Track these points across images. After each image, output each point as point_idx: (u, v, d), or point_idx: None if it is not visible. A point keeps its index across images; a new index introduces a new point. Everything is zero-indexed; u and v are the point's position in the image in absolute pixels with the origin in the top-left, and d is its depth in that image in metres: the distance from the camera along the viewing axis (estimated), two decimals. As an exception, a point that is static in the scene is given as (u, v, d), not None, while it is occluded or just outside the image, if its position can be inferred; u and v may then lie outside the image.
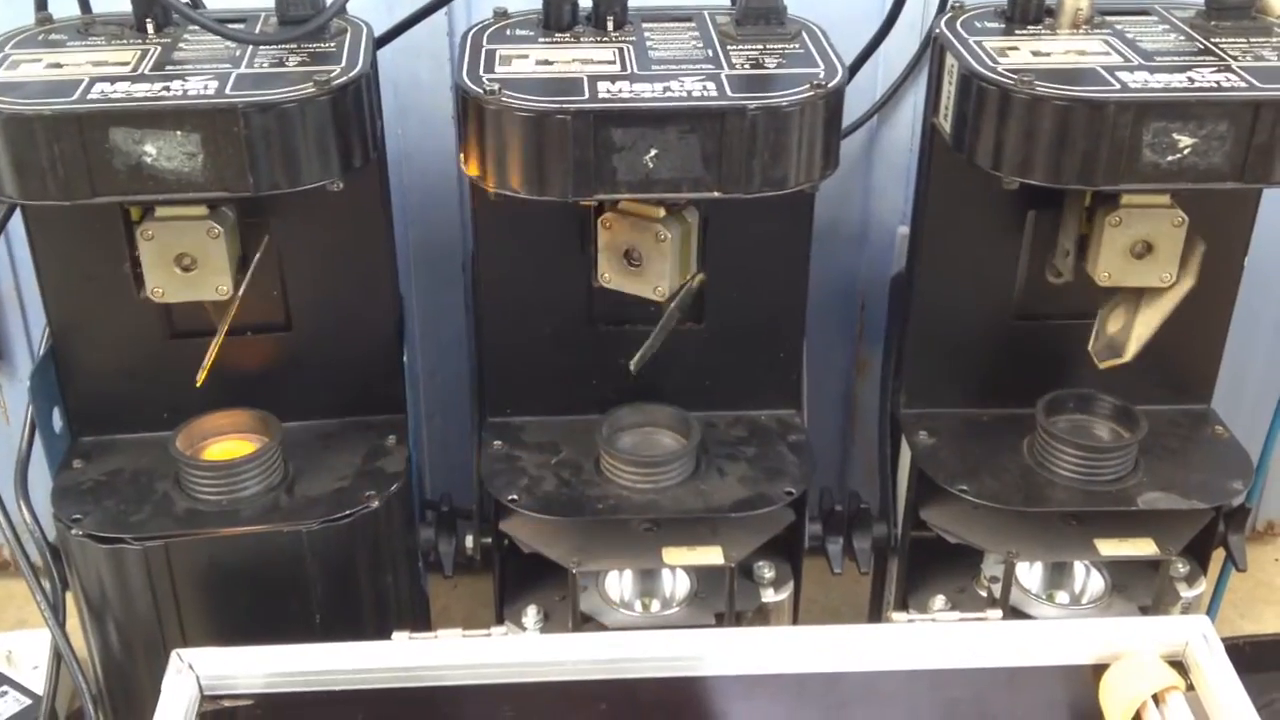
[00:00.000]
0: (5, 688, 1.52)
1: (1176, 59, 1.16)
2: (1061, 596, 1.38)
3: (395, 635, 1.09)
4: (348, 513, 1.26)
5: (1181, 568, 1.36)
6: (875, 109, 1.56)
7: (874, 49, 1.51)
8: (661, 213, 1.16)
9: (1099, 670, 1.09)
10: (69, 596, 1.31)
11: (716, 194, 1.09)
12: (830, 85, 1.11)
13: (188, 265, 1.16)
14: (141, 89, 1.09)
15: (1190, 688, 1.07)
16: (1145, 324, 1.21)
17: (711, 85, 1.11)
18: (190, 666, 1.06)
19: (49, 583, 1.30)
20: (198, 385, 1.23)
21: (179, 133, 1.06)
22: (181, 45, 1.20)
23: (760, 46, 1.20)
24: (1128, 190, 1.13)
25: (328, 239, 1.29)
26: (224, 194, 1.09)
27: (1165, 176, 1.08)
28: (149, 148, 1.06)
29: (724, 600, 1.30)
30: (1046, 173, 1.10)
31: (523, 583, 1.39)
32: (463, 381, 1.67)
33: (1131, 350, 1.22)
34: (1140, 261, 1.19)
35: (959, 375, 1.41)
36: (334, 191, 1.14)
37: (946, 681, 1.10)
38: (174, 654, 1.06)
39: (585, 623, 1.32)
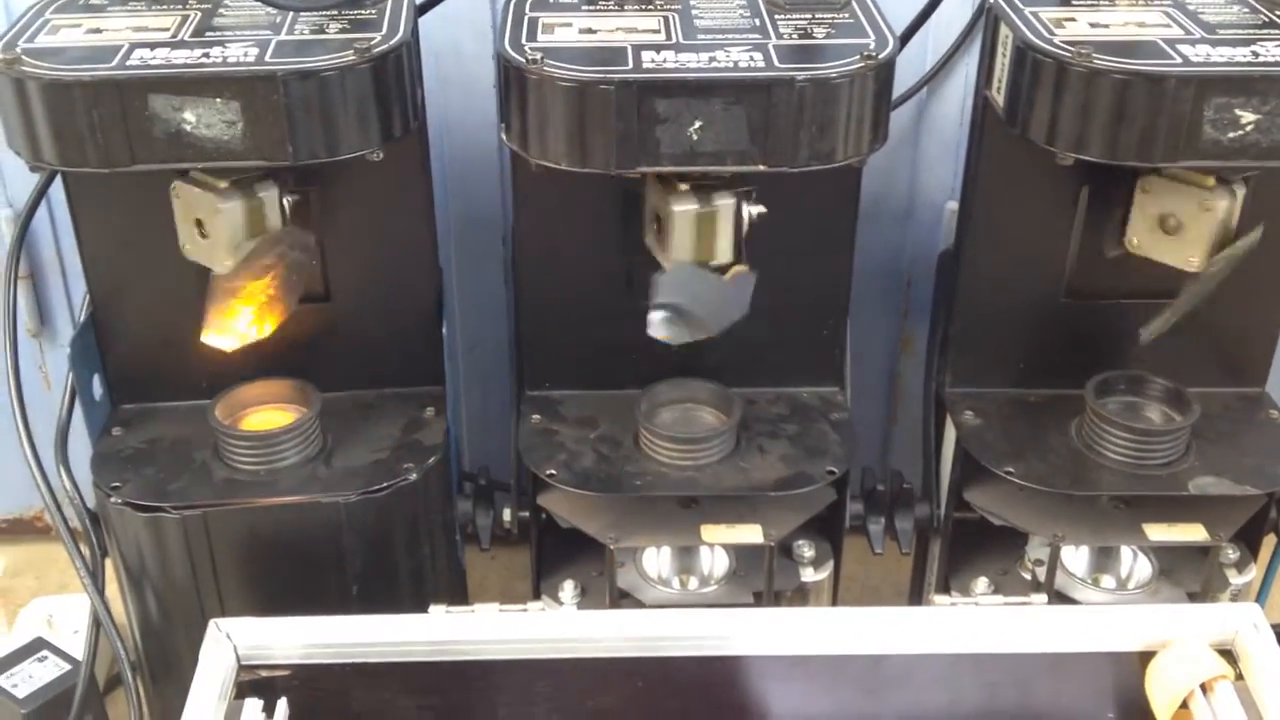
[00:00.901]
0: (45, 653, 1.53)
1: (1240, 32, 1.12)
2: (1107, 581, 1.36)
3: (432, 608, 1.09)
4: (386, 485, 1.25)
5: (1231, 554, 1.33)
6: (925, 81, 1.53)
7: (925, 19, 1.48)
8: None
9: (1146, 657, 1.07)
10: (108, 563, 1.32)
11: (762, 167, 1.06)
12: (881, 56, 1.09)
13: (204, 232, 1.16)
14: (181, 55, 1.08)
15: (1239, 677, 1.05)
16: (1173, 309, 1.18)
17: (759, 55, 1.09)
18: (228, 636, 1.06)
19: (88, 549, 1.31)
20: (206, 341, 1.22)
21: (219, 100, 1.05)
22: (222, 11, 1.19)
23: (809, 16, 1.18)
24: (1188, 168, 1.10)
25: (368, 209, 1.28)
26: (263, 162, 1.08)
27: (1226, 154, 1.05)
28: (189, 115, 1.06)
29: (763, 579, 1.29)
30: (1103, 149, 1.07)
31: (560, 557, 1.38)
32: (502, 355, 1.66)
33: (1153, 331, 1.19)
34: (1170, 238, 1.16)
35: (1006, 355, 1.38)
36: (374, 161, 1.13)
37: (989, 666, 1.09)
38: (211, 623, 1.06)
39: (622, 599, 1.31)
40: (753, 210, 1.15)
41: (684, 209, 1.13)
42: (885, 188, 1.58)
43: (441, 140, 1.51)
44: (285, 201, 1.18)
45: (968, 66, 1.52)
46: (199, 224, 1.17)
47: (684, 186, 1.14)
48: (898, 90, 1.41)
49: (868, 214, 1.33)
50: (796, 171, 1.07)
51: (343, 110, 1.07)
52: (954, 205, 1.52)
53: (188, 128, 1.06)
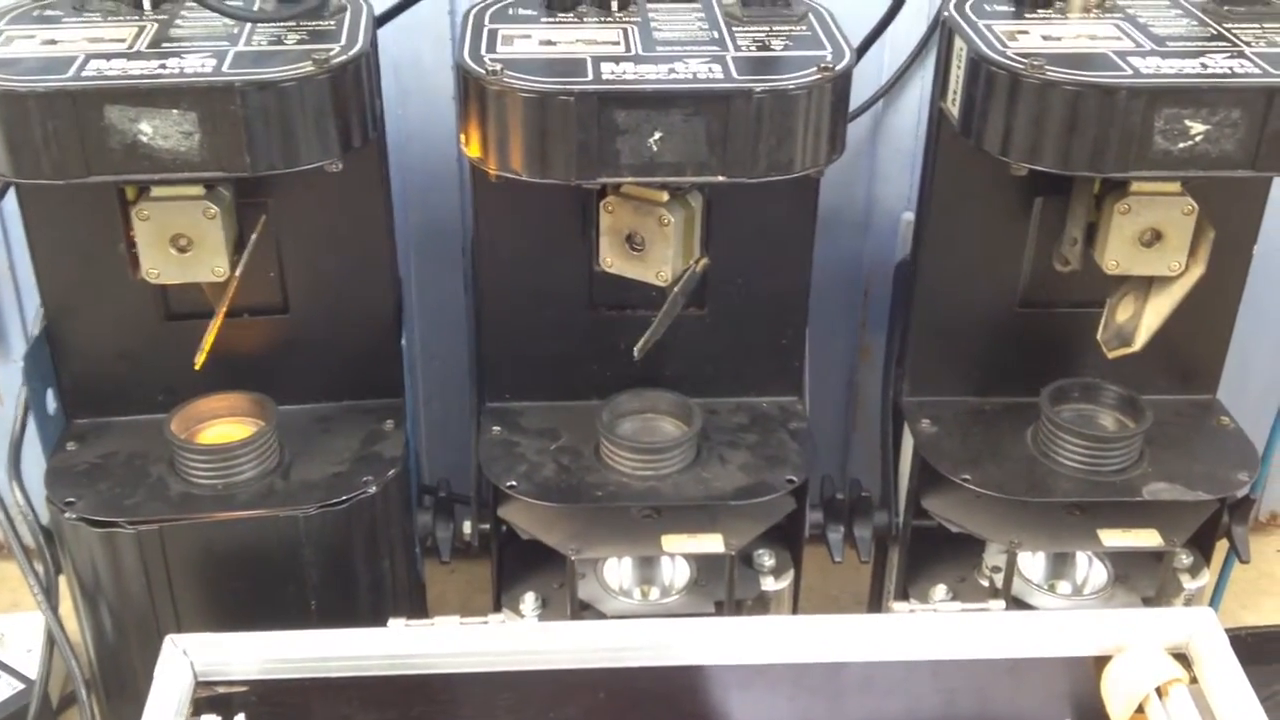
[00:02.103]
0: (-1, 671, 1.51)
1: (1189, 44, 1.14)
2: (1064, 587, 1.37)
3: (391, 622, 1.08)
4: (345, 498, 1.25)
5: (1185, 559, 1.35)
6: (881, 93, 1.54)
7: (881, 31, 1.50)
8: (665, 197, 1.14)
9: (1101, 662, 1.08)
10: (62, 580, 1.30)
11: (721, 178, 1.07)
12: (838, 68, 1.10)
13: (184, 246, 1.15)
14: (137, 66, 1.07)
15: (1194, 680, 1.06)
16: (1155, 313, 1.20)
17: (717, 67, 1.09)
18: (184, 652, 1.05)
19: (42, 566, 1.29)
20: (196, 368, 1.21)
21: (175, 111, 1.04)
22: (179, 22, 1.18)
23: (767, 28, 1.19)
24: (1138, 178, 1.12)
25: (327, 221, 1.28)
26: (220, 174, 1.07)
27: (1177, 164, 1.07)
28: (145, 126, 1.05)
29: (724, 588, 1.29)
30: (1056, 159, 1.08)
31: (521, 569, 1.37)
32: (462, 366, 1.66)
33: (1140, 339, 1.21)
34: (1149, 250, 1.18)
35: (963, 363, 1.40)
36: (333, 172, 1.12)
37: (947, 672, 1.10)
38: (168, 639, 1.05)
39: (583, 610, 1.31)
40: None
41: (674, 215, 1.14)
42: (843, 199, 1.59)
43: (401, 151, 1.51)
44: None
45: (923, 79, 1.53)
46: (175, 240, 1.15)
47: (665, 195, 1.14)
48: (854, 102, 1.43)
49: (825, 225, 1.34)
50: (755, 182, 1.07)
51: (301, 121, 1.07)
52: (910, 216, 1.53)
53: (144, 139, 1.05)
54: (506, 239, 1.30)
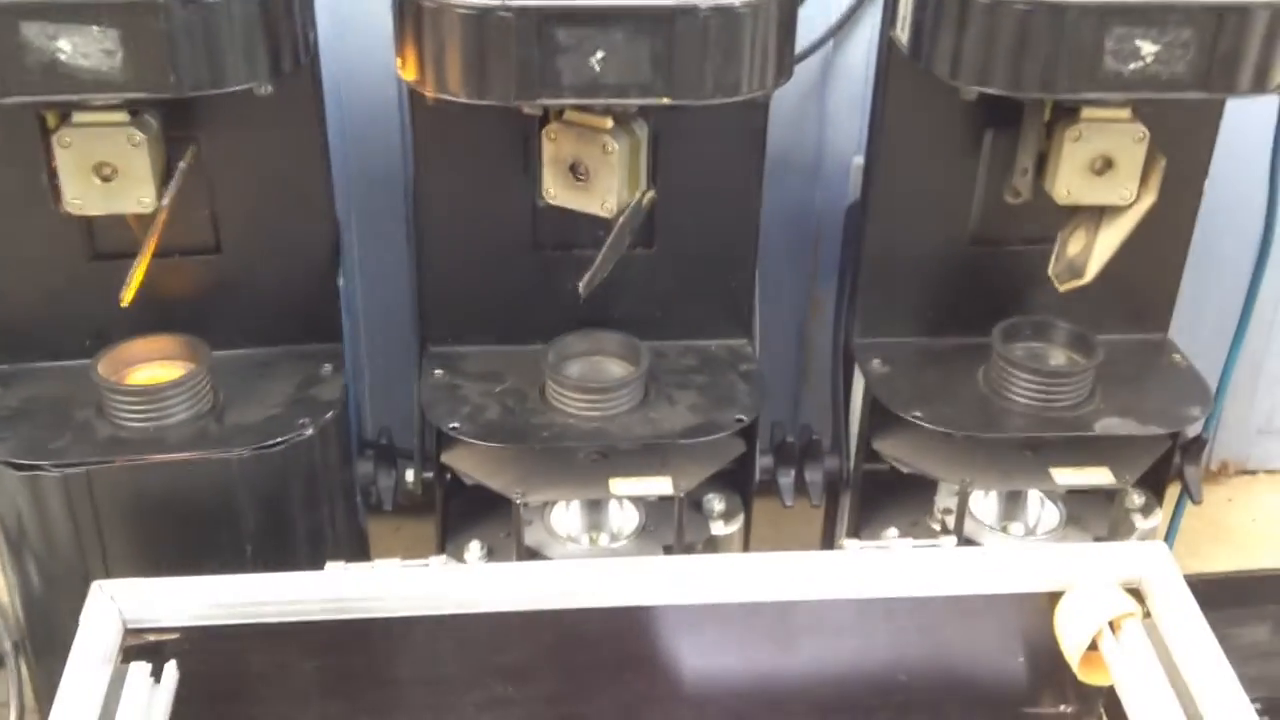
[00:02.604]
0: (-79, 631, 1.46)
1: (1139, -36, 1.13)
2: (1016, 528, 1.36)
3: (329, 565, 1.05)
4: (280, 440, 1.21)
5: (1137, 499, 1.34)
6: (831, 32, 1.52)
7: (829, -34, 1.48)
8: (609, 124, 1.11)
9: (1054, 598, 1.07)
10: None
11: (666, 100, 1.04)
12: (785, -14, 1.07)
13: (108, 175, 1.10)
14: (56, -20, 1.03)
15: (1147, 615, 1.05)
16: (1106, 244, 1.19)
17: (662, -15, 1.06)
18: (112, 599, 1.01)
19: (-37, 516, 1.24)
20: (124, 304, 1.16)
21: (96, 27, 1.00)
22: (101, -63, 1.13)
23: (712, -52, 1.16)
24: (1089, 100, 1.10)
25: (260, 155, 1.23)
26: (145, 94, 1.03)
27: (1128, 85, 1.05)
28: (64, 44, 1.00)
29: (673, 533, 1.27)
30: (1006, 81, 1.06)
31: (466, 520, 1.34)
32: (404, 318, 1.62)
33: (1092, 270, 1.19)
34: (1100, 178, 1.16)
35: (914, 304, 1.38)
36: (264, 99, 1.08)
37: (899, 610, 1.08)
38: (95, 585, 1.01)
39: (530, 557, 1.28)
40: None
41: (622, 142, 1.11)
42: (793, 144, 1.57)
43: (338, 87, 1.47)
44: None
45: (873, 20, 1.51)
46: (99, 169, 1.11)
47: (609, 122, 1.11)
48: (804, 42, 1.41)
49: (775, 170, 1.32)
50: (702, 104, 1.04)
51: (228, 39, 1.03)
52: (860, 160, 1.51)
53: (63, 57, 1.01)
54: (446, 175, 1.26)
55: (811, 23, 1.49)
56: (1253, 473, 1.96)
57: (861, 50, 1.54)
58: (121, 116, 1.08)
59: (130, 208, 1.12)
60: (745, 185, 1.29)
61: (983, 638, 1.09)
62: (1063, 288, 1.23)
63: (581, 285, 1.20)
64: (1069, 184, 1.17)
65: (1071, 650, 1.03)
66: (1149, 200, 1.17)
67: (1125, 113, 1.13)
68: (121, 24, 1.00)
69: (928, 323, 1.38)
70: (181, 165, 1.14)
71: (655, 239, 1.31)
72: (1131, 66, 1.04)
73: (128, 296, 1.16)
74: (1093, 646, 1.03)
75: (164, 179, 1.14)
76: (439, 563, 1.09)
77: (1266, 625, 1.49)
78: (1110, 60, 1.04)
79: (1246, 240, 1.60)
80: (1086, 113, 1.13)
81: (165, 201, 1.13)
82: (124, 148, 1.09)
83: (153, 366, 1.26)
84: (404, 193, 1.56)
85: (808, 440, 1.40)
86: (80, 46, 1.00)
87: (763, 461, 1.36)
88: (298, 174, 1.26)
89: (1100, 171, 1.16)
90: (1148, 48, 1.04)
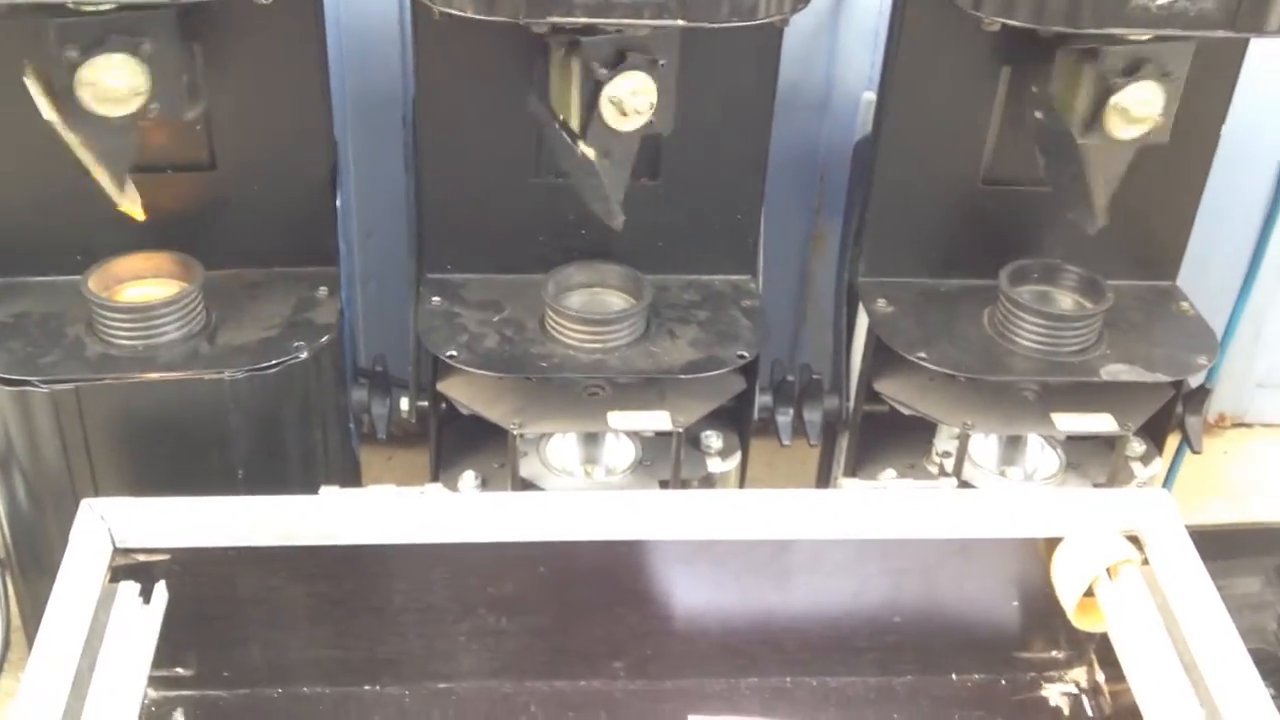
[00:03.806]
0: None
1: (1172, -103, 1.09)
2: (1015, 473, 1.35)
3: (323, 490, 1.03)
4: (274, 362, 1.19)
5: (1138, 446, 1.33)
6: (846, -38, 1.49)
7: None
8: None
9: (1052, 545, 1.06)
10: (-28, 448, 1.24)
11: (681, 21, 1.01)
12: (805, -94, 1.04)
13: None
14: (49, -121, 0.99)
15: (1145, 562, 1.04)
16: (1105, 184, 1.16)
17: (678, -100, 1.03)
18: (101, 518, 0.99)
19: (-51, 431, 1.22)
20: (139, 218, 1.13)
21: (89, -73, 0.96)
22: None
23: None
24: (1114, 37, 1.07)
25: (257, 69, 1.20)
26: (141, -2, 0.99)
27: (1154, 21, 1.03)
28: (58, -56, 0.97)
29: (669, 468, 1.25)
30: (1030, 13, 1.04)
31: (460, 449, 1.33)
32: (401, 245, 1.59)
33: (1099, 209, 1.17)
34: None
35: (922, 243, 1.36)
36: (263, 12, 1.05)
37: (896, 551, 1.07)
38: (84, 504, 0.99)
39: (525, 489, 1.27)
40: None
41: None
42: (802, 78, 1.54)
43: (339, 11, 1.43)
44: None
45: (890, -51, 1.48)
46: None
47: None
48: (819, -24, 1.37)
49: (784, 104, 1.29)
50: (717, 27, 1.01)
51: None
52: (871, 95, 1.48)
53: (57, -41, 0.97)
54: (448, 98, 1.23)
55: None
56: (1249, 426, 1.96)
57: (877, -18, 1.51)
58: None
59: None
60: (755, 118, 1.26)
61: (978, 581, 1.09)
62: (1098, 226, 1.20)
63: (606, 215, 1.16)
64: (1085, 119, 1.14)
65: (1067, 595, 1.03)
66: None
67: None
68: (117, -76, 0.96)
69: (935, 263, 1.36)
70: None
71: (661, 171, 1.28)
72: (1158, 2, 1.01)
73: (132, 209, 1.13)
74: (1089, 593, 1.02)
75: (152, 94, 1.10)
76: (433, 490, 1.08)
77: (1258, 578, 1.49)
78: (1138, -6, 1.01)
79: (1259, 192, 1.59)
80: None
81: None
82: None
83: (144, 284, 1.24)
84: (403, 116, 1.52)
85: (807, 380, 1.39)
86: (72, -54, 0.97)
87: (761, 399, 1.34)
88: (295, 90, 1.23)
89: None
90: (1176, -18, 1.01)
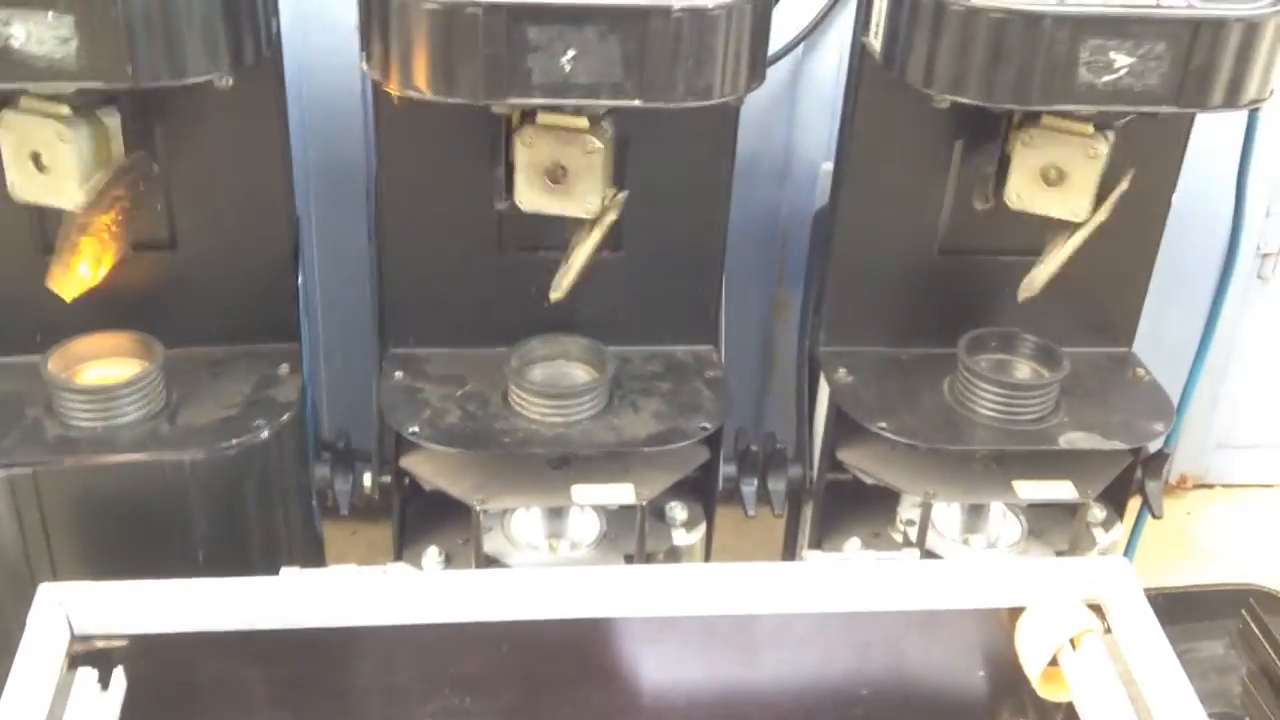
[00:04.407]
0: None
1: (1114, -24, 1.13)
2: (978, 541, 1.36)
3: (284, 570, 1.03)
4: (234, 442, 1.18)
5: (1098, 513, 1.34)
6: (802, 35, 1.51)
7: (801, -29, 1.46)
8: (585, 124, 1.09)
9: (1015, 614, 1.06)
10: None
11: (638, 102, 1.02)
12: (759, -11, 1.06)
13: (42, 165, 1.07)
14: (9, -34, 1.00)
15: (1107, 631, 1.05)
16: (1054, 257, 1.18)
17: (635, -16, 1.05)
18: (59, 603, 0.98)
19: (-95, 515, 1.20)
20: (66, 300, 1.13)
21: (50, 13, 0.96)
22: (59, -77, 1.10)
23: (687, -50, 1.14)
24: (1062, 112, 1.09)
25: (218, 149, 1.21)
26: (101, 85, 1.00)
27: (1101, 98, 1.05)
28: (17, 30, 0.97)
29: (634, 542, 1.25)
30: (979, 90, 1.06)
31: (424, 525, 1.32)
32: (363, 316, 1.59)
33: (1038, 281, 1.19)
34: (1053, 189, 1.16)
35: (881, 312, 1.37)
36: (224, 91, 1.05)
37: (860, 624, 1.07)
38: (41, 589, 0.98)
39: (489, 565, 1.26)
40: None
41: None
42: (761, 148, 1.56)
43: (300, 82, 1.44)
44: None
45: (844, 23, 1.50)
46: (36, 158, 1.08)
47: (585, 122, 1.09)
48: (775, 46, 1.39)
49: (744, 173, 1.31)
50: (674, 107, 1.03)
51: (188, 28, 1.00)
52: (829, 166, 1.50)
53: (16, 44, 0.97)
54: (410, 173, 1.24)
55: (782, 26, 1.47)
56: (1210, 486, 1.97)
57: (833, 55, 1.53)
58: (60, 109, 1.05)
59: (60, 203, 1.09)
60: (714, 190, 1.28)
61: (944, 652, 1.09)
62: (1020, 297, 1.22)
63: (553, 289, 1.18)
64: (1018, 189, 1.17)
65: (1032, 665, 1.03)
66: (1099, 219, 1.17)
67: (1087, 127, 1.13)
68: (76, 10, 0.96)
69: (894, 331, 1.38)
70: (116, 170, 1.10)
71: (623, 243, 1.29)
72: (1105, 79, 1.04)
73: (64, 290, 1.13)
74: (1053, 662, 1.03)
75: (101, 177, 1.10)
76: (396, 570, 1.07)
77: (1222, 640, 1.49)
78: (1084, 72, 1.04)
79: (1211, 254, 1.61)
80: (1045, 120, 1.13)
81: (94, 205, 1.09)
82: (53, 141, 1.06)
83: (104, 364, 1.23)
84: (365, 189, 1.53)
85: (771, 450, 1.39)
86: (35, 33, 0.97)
87: (726, 469, 1.35)
88: (257, 169, 1.23)
89: (1053, 182, 1.15)
90: (1122, 60, 1.03)
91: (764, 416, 1.78)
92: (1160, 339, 1.57)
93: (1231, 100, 1.06)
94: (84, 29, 0.97)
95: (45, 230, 1.21)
